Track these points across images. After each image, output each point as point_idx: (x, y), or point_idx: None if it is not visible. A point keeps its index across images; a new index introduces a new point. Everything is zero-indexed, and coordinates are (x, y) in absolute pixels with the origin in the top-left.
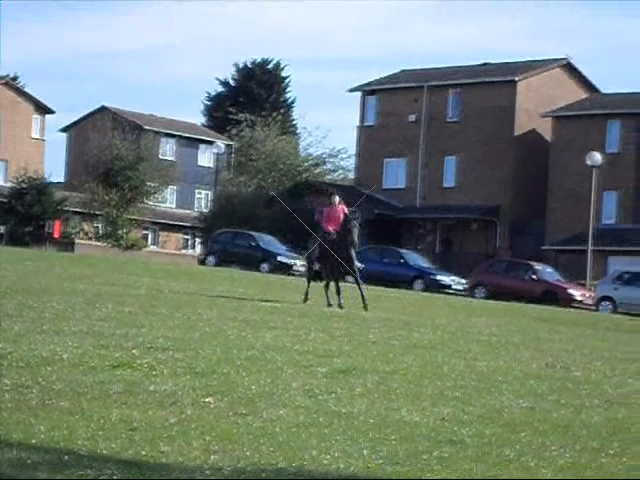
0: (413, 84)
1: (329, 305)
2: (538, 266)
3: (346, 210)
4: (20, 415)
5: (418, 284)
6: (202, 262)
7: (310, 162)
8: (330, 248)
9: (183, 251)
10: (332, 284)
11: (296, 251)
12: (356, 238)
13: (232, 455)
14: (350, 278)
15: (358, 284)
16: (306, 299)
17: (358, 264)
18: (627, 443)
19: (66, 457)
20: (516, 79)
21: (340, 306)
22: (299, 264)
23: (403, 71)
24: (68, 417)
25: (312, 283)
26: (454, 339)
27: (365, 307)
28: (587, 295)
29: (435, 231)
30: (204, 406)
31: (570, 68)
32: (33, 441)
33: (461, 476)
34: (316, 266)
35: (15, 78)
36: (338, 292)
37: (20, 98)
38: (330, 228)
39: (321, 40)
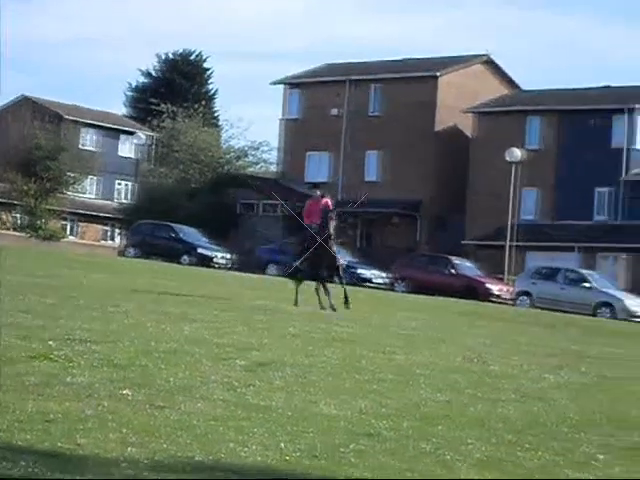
0: (336, 78)
1: (322, 308)
2: (457, 261)
3: (330, 204)
4: None
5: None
6: (122, 253)
7: (232, 154)
8: (311, 243)
9: (103, 242)
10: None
11: (217, 243)
12: (332, 230)
13: (149, 448)
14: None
15: (341, 281)
16: (297, 302)
17: (341, 260)
18: (542, 437)
19: None
20: (437, 74)
21: (332, 307)
22: (220, 256)
23: (326, 65)
24: None
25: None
26: (374, 333)
27: (347, 304)
28: (505, 290)
29: (356, 225)
30: (122, 398)
31: (491, 64)
32: None
33: (379, 469)
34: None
35: None
36: (327, 291)
37: None
38: (310, 221)
39: (245, 32)
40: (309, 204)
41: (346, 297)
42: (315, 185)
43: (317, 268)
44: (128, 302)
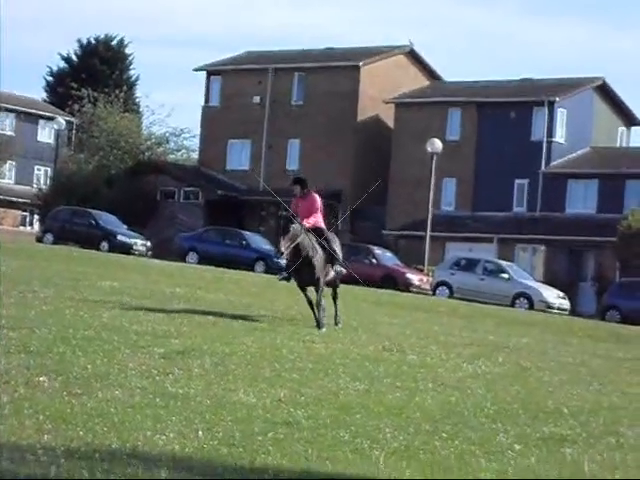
0: (258, 66)
1: (320, 327)
2: (378, 250)
3: (319, 201)
4: None
5: (260, 266)
6: (40, 240)
7: (153, 141)
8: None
9: (21, 228)
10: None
11: (136, 230)
12: (336, 248)
13: (65, 435)
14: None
15: (334, 297)
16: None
17: (341, 269)
18: (459, 427)
19: None
20: (360, 64)
21: (319, 326)
22: (140, 243)
23: (248, 52)
24: None
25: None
26: (294, 322)
27: (336, 322)
28: (425, 280)
29: (277, 213)
30: (38, 385)
31: (413, 55)
32: None
33: (296, 457)
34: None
35: None
36: (318, 305)
37: None
38: (312, 225)
39: (168, 18)
40: (294, 202)
41: (336, 314)
42: (297, 180)
43: (305, 277)
44: (46, 288)
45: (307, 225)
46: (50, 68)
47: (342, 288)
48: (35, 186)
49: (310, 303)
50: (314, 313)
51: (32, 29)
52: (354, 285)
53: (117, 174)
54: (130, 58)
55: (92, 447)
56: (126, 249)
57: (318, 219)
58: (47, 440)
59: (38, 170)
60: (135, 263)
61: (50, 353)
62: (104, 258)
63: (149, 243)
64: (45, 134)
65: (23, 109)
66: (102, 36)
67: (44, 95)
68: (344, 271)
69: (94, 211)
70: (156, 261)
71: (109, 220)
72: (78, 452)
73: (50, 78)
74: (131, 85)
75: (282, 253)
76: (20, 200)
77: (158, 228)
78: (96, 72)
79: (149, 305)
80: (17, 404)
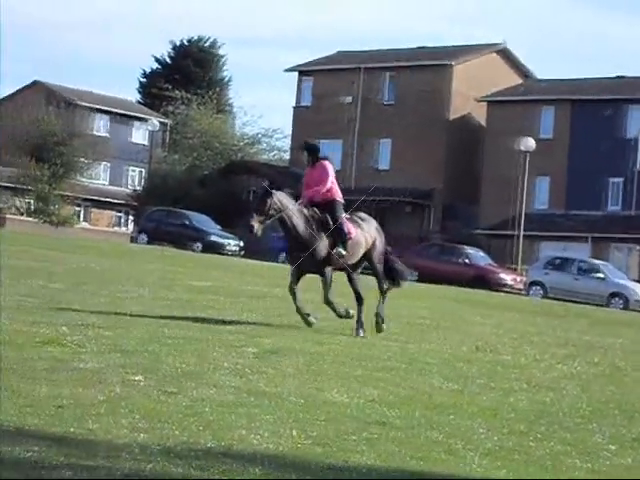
0: (349, 66)
1: (345, 315)
2: (470, 250)
3: (328, 169)
4: None
5: None
6: (134, 240)
7: (245, 142)
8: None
9: (115, 229)
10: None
11: (228, 231)
12: (339, 214)
13: (160, 434)
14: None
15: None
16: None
17: (342, 251)
18: (553, 427)
19: None
20: (452, 63)
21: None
22: (232, 243)
23: (339, 52)
24: None
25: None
26: (388, 321)
27: (357, 332)
28: (518, 280)
29: (368, 213)
30: (133, 384)
31: (505, 53)
32: None
33: (389, 457)
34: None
35: None
36: (327, 303)
37: None
38: (309, 198)
39: (258, 19)
40: (306, 174)
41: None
42: (305, 146)
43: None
44: (139, 288)
45: (306, 197)
46: (144, 70)
47: (432, 288)
48: (129, 187)
49: (296, 304)
50: (302, 317)
51: (126, 31)
52: (445, 284)
53: (210, 175)
54: (223, 59)
55: (187, 445)
56: (219, 249)
57: (322, 189)
58: (142, 439)
59: (132, 171)
60: (227, 263)
61: (144, 352)
62: (197, 258)
63: (241, 243)
64: (139, 135)
65: (117, 110)
66: (195, 37)
67: (138, 97)
68: (343, 253)
69: (188, 212)
70: (248, 261)
71: (202, 220)
72: (173, 450)
73: (144, 79)
74: (223, 86)
75: (252, 228)
76: (114, 201)
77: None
78: (189, 73)
79: (241, 304)
80: (112, 403)
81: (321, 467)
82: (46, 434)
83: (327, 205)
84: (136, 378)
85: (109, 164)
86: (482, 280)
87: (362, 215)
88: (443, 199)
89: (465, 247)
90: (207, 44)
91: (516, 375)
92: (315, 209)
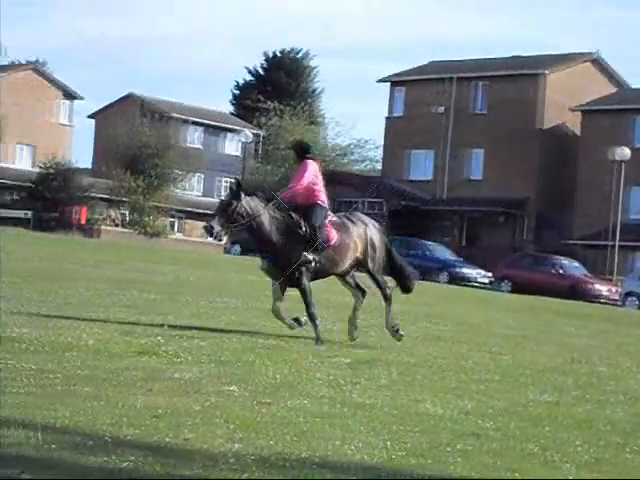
0: (441, 75)
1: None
2: (565, 260)
3: (309, 166)
4: (45, 400)
5: (443, 277)
6: (227, 251)
7: (337, 152)
8: (278, 229)
9: (209, 239)
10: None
11: None
12: (317, 221)
13: (255, 444)
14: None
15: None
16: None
17: (309, 257)
18: None
19: (90, 442)
20: (546, 72)
21: (298, 322)
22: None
23: (431, 62)
24: (92, 403)
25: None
26: (479, 332)
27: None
28: (613, 290)
29: (461, 224)
30: (228, 394)
31: (598, 63)
32: (57, 425)
33: (484, 469)
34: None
35: (43, 64)
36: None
37: (49, 84)
38: (288, 199)
39: (350, 31)
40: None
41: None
42: (294, 145)
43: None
44: (234, 298)
45: (284, 198)
46: (237, 82)
47: (525, 299)
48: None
49: (276, 311)
50: (284, 321)
51: (219, 44)
52: (539, 295)
53: None
54: (315, 70)
55: (282, 456)
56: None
57: (294, 186)
58: (237, 448)
59: (225, 182)
60: None
61: (239, 362)
62: None
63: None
64: (232, 146)
65: (211, 122)
66: (287, 49)
67: (231, 108)
68: (309, 258)
69: None
70: None
71: None
72: (268, 460)
73: (237, 91)
74: (315, 97)
75: (211, 229)
76: (207, 212)
77: None
78: (281, 84)
79: (333, 315)
80: (208, 413)
81: (416, 478)
82: (142, 444)
83: (307, 209)
84: (231, 388)
85: (202, 175)
86: (577, 291)
87: (355, 216)
88: (536, 209)
89: (559, 257)
90: (299, 55)
91: (612, 387)
92: (292, 213)
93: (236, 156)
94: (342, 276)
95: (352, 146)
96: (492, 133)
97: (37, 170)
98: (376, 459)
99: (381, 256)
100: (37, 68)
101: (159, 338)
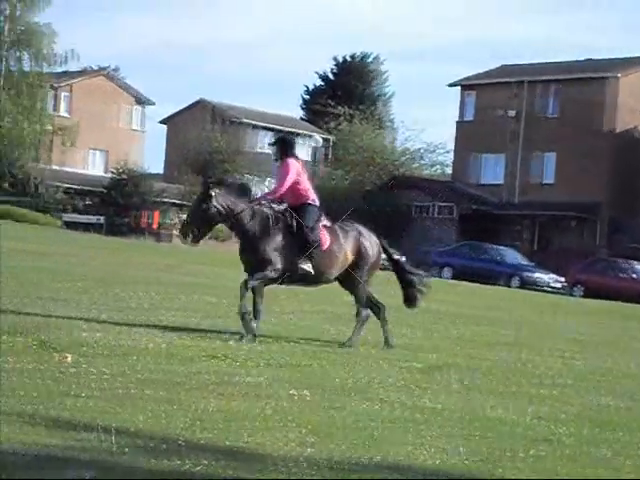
0: (513, 79)
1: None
2: (638, 265)
3: (290, 166)
4: (119, 403)
5: (515, 281)
6: None
7: (407, 157)
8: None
9: None
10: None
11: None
12: (310, 222)
13: (327, 448)
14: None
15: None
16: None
17: (306, 267)
18: None
19: (164, 446)
20: (618, 75)
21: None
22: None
23: (503, 66)
24: (165, 406)
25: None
26: (551, 337)
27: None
28: None
29: (532, 228)
30: (300, 398)
31: None
32: (132, 429)
33: (558, 475)
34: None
35: (116, 70)
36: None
37: (121, 89)
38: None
39: (420, 34)
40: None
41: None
42: (275, 141)
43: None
44: (304, 303)
45: (275, 196)
46: (307, 87)
47: (598, 304)
48: None
49: (254, 306)
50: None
51: (290, 49)
52: (612, 300)
53: (372, 190)
54: (385, 75)
55: (354, 460)
56: (381, 264)
57: (278, 190)
58: (310, 453)
59: None
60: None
61: (310, 366)
62: None
63: (404, 258)
64: (302, 151)
65: (281, 127)
66: (357, 53)
67: (301, 113)
68: (306, 269)
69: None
70: None
71: None
72: (340, 465)
73: (307, 96)
74: (386, 101)
75: (185, 235)
76: None
77: (413, 243)
78: (352, 89)
79: (403, 319)
80: (280, 417)
81: None
82: (215, 447)
83: (297, 209)
84: (302, 392)
85: (273, 180)
86: None
87: (349, 226)
88: (608, 213)
89: (633, 262)
90: (369, 60)
91: None
92: (287, 210)
93: (306, 161)
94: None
95: (422, 150)
96: (564, 137)
97: (109, 175)
98: (449, 464)
99: (371, 270)
100: (109, 74)
101: (230, 342)
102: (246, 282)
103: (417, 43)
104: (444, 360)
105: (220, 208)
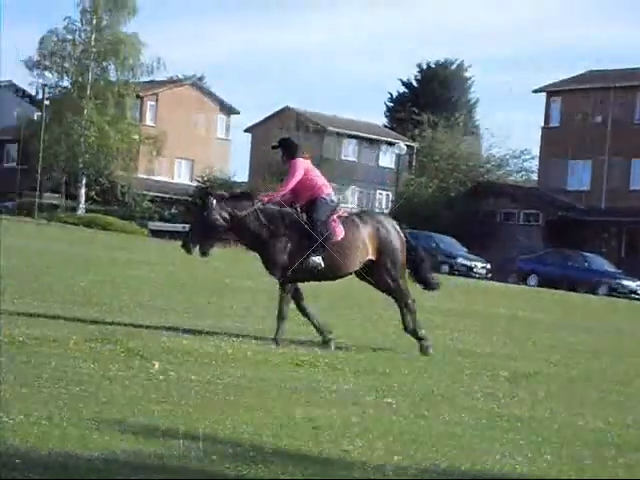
0: (599, 85)
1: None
2: None
3: (296, 165)
4: (206, 410)
5: (602, 289)
6: None
7: (492, 163)
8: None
9: None
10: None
11: (476, 253)
12: (321, 215)
13: (415, 456)
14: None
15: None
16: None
17: (316, 259)
18: None
19: (251, 453)
20: None
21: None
22: (479, 266)
23: (589, 71)
24: (253, 414)
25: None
26: (637, 345)
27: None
28: None
29: (619, 234)
30: (386, 406)
31: None
32: (219, 436)
33: None
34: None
35: (201, 78)
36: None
37: (206, 98)
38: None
39: (506, 39)
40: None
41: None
42: (279, 143)
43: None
44: (387, 311)
45: (264, 200)
46: (390, 94)
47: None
48: (377, 210)
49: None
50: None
51: (373, 56)
52: None
53: (456, 197)
54: (469, 81)
55: (442, 468)
56: (466, 271)
57: (282, 192)
58: (397, 461)
59: (380, 194)
60: (474, 285)
61: (396, 374)
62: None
63: (489, 265)
64: (386, 159)
65: (365, 135)
66: (442, 60)
67: (385, 120)
68: (317, 262)
69: (434, 234)
70: (495, 283)
71: (450, 243)
72: (427, 472)
73: (391, 104)
74: (470, 108)
75: (188, 248)
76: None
77: (498, 250)
78: (436, 96)
79: (490, 327)
80: (367, 424)
81: None
82: (302, 455)
83: (310, 204)
84: (388, 400)
85: (357, 188)
86: None
87: (367, 215)
88: None
89: None
90: (454, 66)
91: None
92: (296, 206)
93: (390, 168)
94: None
95: (507, 157)
96: None
97: (195, 184)
98: (537, 473)
99: (400, 258)
100: (195, 83)
101: (316, 349)
102: (283, 285)
103: (501, 49)
104: (530, 368)
105: (223, 214)
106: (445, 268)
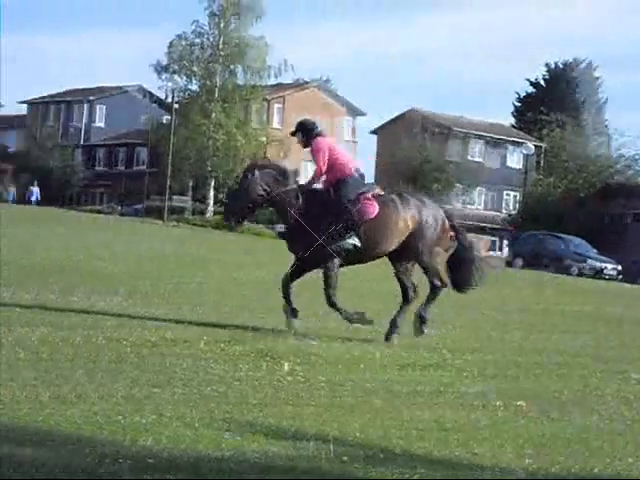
0: None
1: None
2: None
3: (319, 145)
4: (335, 412)
5: None
6: (509, 264)
7: (622, 163)
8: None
9: (491, 253)
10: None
11: (607, 254)
12: (350, 194)
13: (545, 459)
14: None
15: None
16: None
17: (351, 241)
18: None
19: (381, 455)
20: None
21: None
22: (610, 267)
23: None
24: (382, 416)
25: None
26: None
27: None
28: None
29: None
30: (515, 409)
31: None
32: (349, 438)
33: None
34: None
35: (327, 81)
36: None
37: (332, 100)
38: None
39: (633, 39)
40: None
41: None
42: (297, 127)
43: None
44: (499, 313)
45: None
46: (518, 94)
47: None
48: (504, 211)
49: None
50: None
51: (500, 56)
52: None
53: (586, 197)
54: (598, 81)
55: (573, 472)
56: (596, 273)
57: (319, 176)
58: (528, 464)
59: (507, 195)
60: (605, 288)
61: (525, 377)
62: (572, 284)
63: (620, 267)
64: (514, 159)
65: (492, 135)
66: (570, 60)
67: (512, 121)
68: (352, 243)
69: (564, 235)
70: (626, 286)
71: (579, 244)
72: (559, 476)
73: (518, 104)
74: (599, 108)
75: (229, 218)
76: (489, 225)
77: (627, 252)
78: (564, 96)
79: (615, 330)
80: (496, 427)
81: None
82: (432, 457)
83: (338, 183)
84: (518, 403)
85: (484, 189)
86: None
87: (409, 195)
88: None
89: None
90: (582, 66)
91: None
92: (326, 187)
93: (518, 169)
94: (400, 271)
95: (638, 157)
96: None
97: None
98: None
99: (433, 240)
100: (321, 85)
101: (444, 352)
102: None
103: (630, 48)
104: None
105: (265, 187)
106: (575, 270)
